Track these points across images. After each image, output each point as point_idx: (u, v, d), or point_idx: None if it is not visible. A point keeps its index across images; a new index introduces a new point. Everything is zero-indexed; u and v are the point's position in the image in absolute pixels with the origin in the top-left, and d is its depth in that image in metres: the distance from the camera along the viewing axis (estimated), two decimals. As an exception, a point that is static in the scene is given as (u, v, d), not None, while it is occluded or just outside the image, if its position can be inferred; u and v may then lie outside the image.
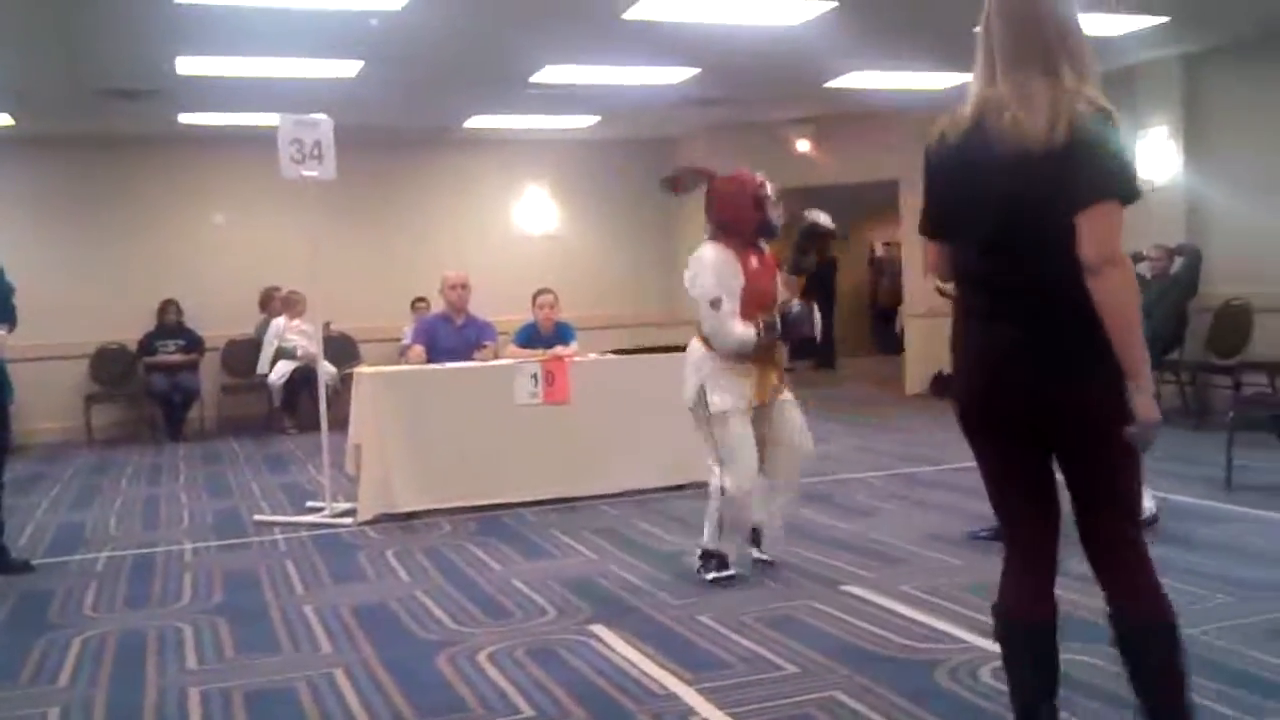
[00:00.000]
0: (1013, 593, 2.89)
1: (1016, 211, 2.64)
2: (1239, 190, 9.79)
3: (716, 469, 5.21)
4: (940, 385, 12.72)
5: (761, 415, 5.26)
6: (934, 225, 2.88)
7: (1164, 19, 8.74)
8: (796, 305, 5.26)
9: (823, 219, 5.31)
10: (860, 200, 15.73)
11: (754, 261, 5.22)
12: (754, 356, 5.15)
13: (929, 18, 8.41)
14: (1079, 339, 2.60)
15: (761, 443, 5.25)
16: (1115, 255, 2.52)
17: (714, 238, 5.24)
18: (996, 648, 4.06)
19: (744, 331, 5.08)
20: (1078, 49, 2.67)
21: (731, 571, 5.28)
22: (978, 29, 2.79)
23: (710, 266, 5.12)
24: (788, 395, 5.38)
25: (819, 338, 5.45)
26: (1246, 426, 7.08)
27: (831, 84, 10.69)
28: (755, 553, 5.49)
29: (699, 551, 5.36)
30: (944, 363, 12.24)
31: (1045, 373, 2.65)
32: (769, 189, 5.25)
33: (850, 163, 12.90)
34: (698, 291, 5.14)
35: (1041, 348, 2.65)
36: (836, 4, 7.80)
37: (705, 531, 5.31)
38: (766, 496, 5.35)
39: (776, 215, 5.23)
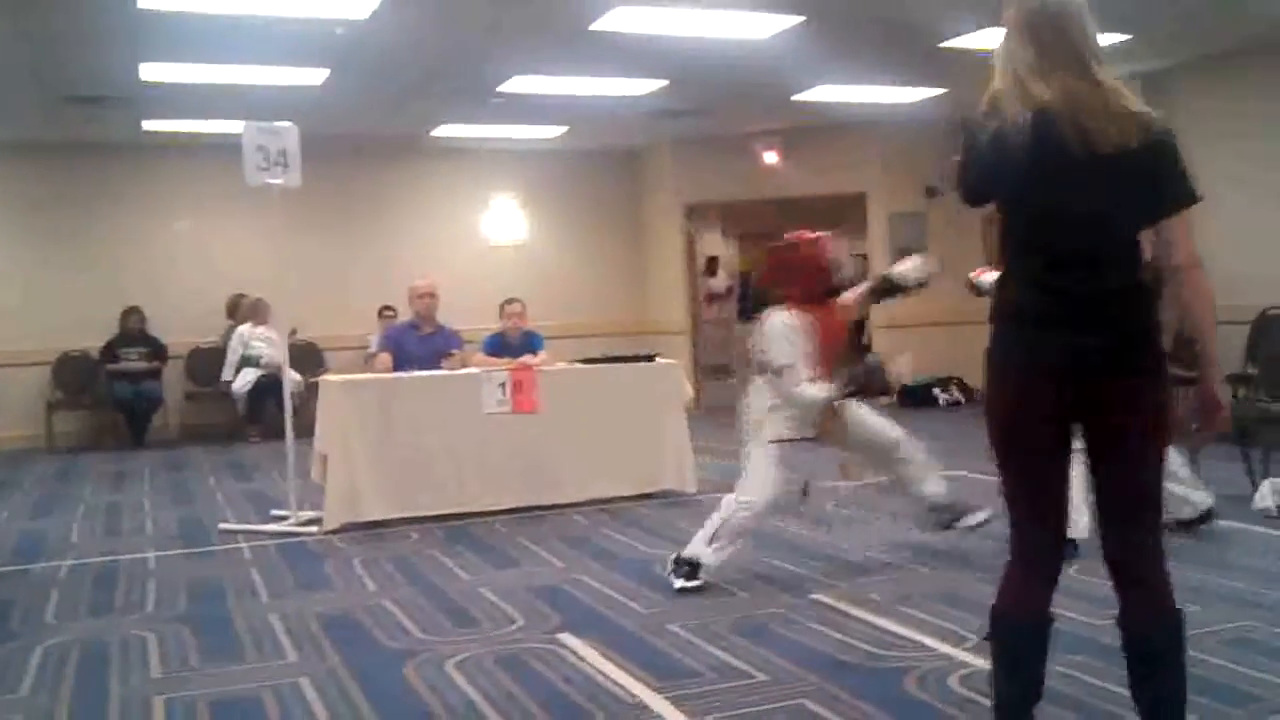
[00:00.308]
0: (1015, 594, 2.90)
1: (1094, 217, 2.71)
2: (1203, 204, 9.92)
3: (745, 486, 5.35)
4: (907, 396, 12.78)
5: (838, 436, 5.46)
6: (978, 197, 2.90)
7: (1125, 37, 8.84)
8: (872, 357, 5.51)
9: (910, 275, 5.43)
10: (827, 212, 15.79)
11: (823, 314, 5.33)
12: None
13: (895, 33, 8.49)
14: (1147, 341, 2.75)
15: (849, 448, 5.63)
16: (1198, 256, 2.75)
17: (784, 304, 5.33)
18: (966, 656, 4.12)
19: (817, 393, 5.22)
20: (1099, 50, 2.76)
21: (700, 582, 5.27)
22: (995, 46, 2.83)
23: (782, 336, 5.25)
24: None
25: (896, 385, 5.71)
26: (1224, 438, 7.14)
27: (799, 97, 10.76)
28: (965, 521, 5.67)
29: (673, 556, 5.37)
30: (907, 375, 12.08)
31: (1116, 375, 2.72)
32: (830, 248, 5.42)
33: (818, 175, 12.97)
34: (769, 358, 5.29)
35: (1112, 350, 2.72)
36: (804, 19, 7.85)
37: (695, 537, 5.34)
38: (914, 479, 5.66)
39: (848, 271, 5.51)
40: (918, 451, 5.67)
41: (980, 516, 5.62)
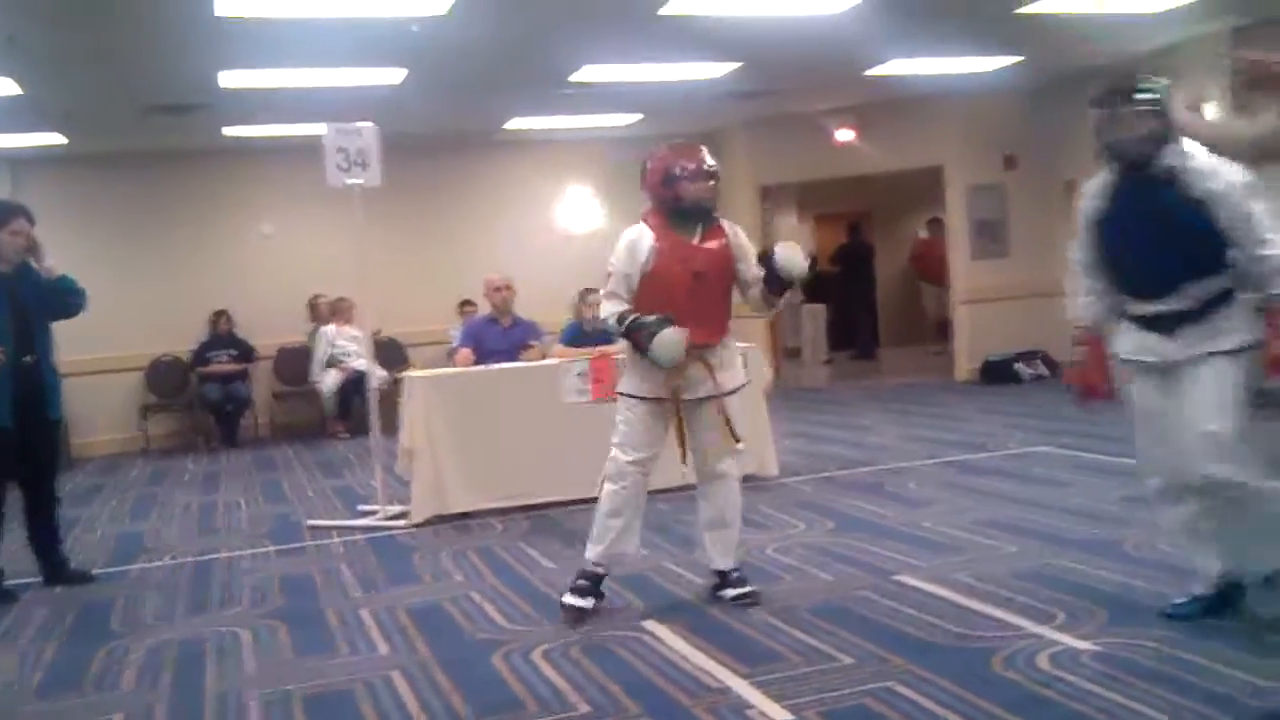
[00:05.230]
0: None
1: None
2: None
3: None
4: (991, 372, 12.57)
5: (686, 413, 4.84)
6: None
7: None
8: (653, 318, 4.65)
9: (795, 265, 4.78)
10: (904, 187, 15.65)
11: (683, 243, 4.77)
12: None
13: (969, 1, 8.35)
14: None
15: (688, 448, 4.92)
16: None
17: (645, 215, 4.91)
18: (1054, 634, 4.06)
19: (607, 313, 4.80)
20: None
21: (584, 604, 4.80)
22: None
23: (621, 242, 4.84)
24: (715, 394, 4.82)
25: (663, 361, 4.65)
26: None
27: (872, 72, 10.63)
28: (729, 593, 4.89)
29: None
30: (992, 349, 12.12)
31: None
32: (688, 165, 4.76)
33: (893, 150, 12.82)
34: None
35: None
36: (874, -8, 7.76)
37: None
38: (705, 521, 5.02)
39: (691, 194, 4.74)
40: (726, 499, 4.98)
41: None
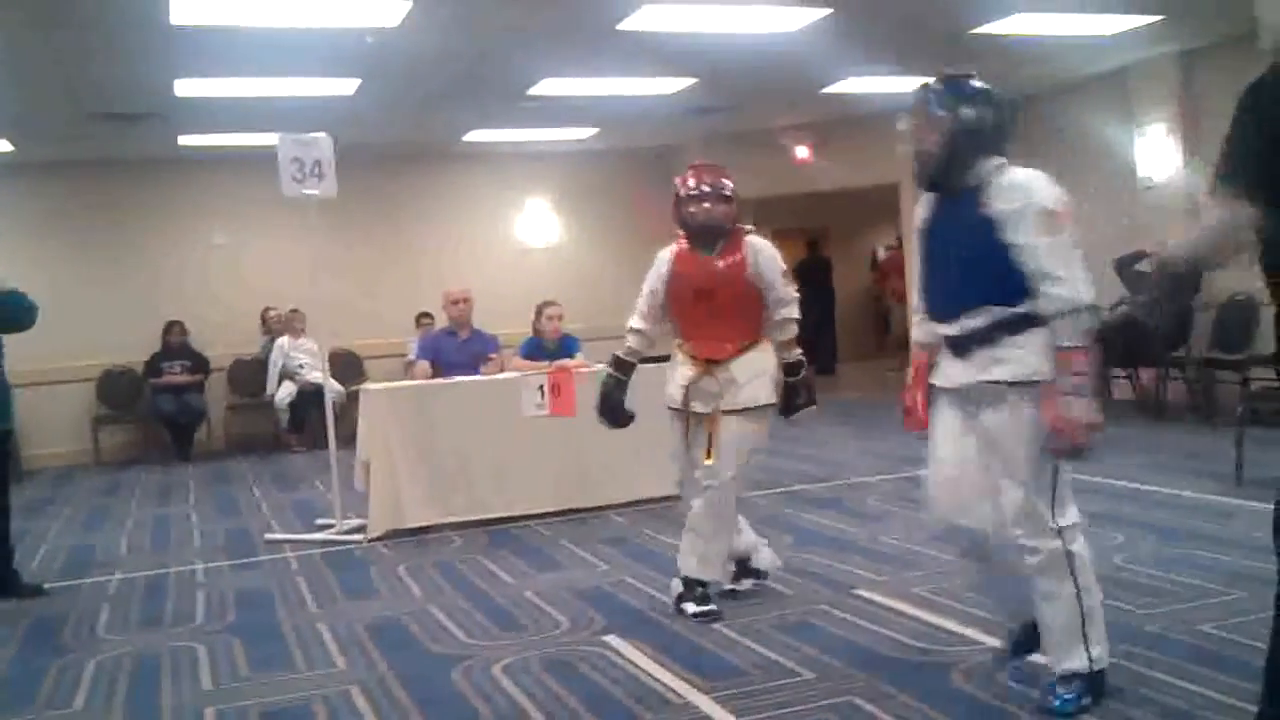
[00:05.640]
0: None
1: None
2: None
3: None
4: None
5: (694, 424, 4.96)
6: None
7: (1157, 18, 8.75)
8: (612, 384, 5.12)
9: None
10: (860, 204, 15.75)
11: (696, 262, 4.96)
12: (691, 353, 4.96)
13: (923, 21, 8.44)
14: None
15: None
16: None
17: (677, 234, 5.12)
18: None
19: (628, 326, 5.13)
20: None
21: (707, 608, 4.83)
22: None
23: (655, 261, 5.14)
24: (725, 412, 4.84)
25: (601, 413, 5.18)
26: (1256, 421, 7.08)
27: (829, 90, 10.71)
28: (690, 609, 4.88)
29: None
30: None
31: None
32: (689, 187, 4.96)
33: (849, 167, 12.89)
34: None
35: None
36: (830, 10, 7.82)
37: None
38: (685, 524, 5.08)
39: (692, 214, 4.94)
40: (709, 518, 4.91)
41: (706, 608, 4.85)
